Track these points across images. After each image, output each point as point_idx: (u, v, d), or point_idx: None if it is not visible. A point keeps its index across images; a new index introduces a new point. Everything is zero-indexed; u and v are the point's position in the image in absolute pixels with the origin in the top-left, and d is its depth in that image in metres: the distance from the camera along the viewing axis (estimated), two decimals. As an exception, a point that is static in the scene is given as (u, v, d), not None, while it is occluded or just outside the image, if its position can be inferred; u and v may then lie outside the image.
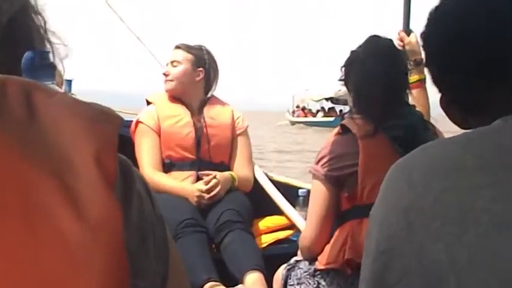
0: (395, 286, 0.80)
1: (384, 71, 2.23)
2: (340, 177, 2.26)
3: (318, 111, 43.89)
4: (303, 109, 45.46)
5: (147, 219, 0.60)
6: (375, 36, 2.31)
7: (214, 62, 3.19)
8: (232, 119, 3.20)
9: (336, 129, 2.33)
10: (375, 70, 2.24)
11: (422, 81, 2.58)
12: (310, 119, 42.34)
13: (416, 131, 2.25)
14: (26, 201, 0.48)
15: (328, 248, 2.24)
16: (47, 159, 0.50)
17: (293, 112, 45.73)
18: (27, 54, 0.90)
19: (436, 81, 1.03)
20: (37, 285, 0.46)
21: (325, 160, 2.27)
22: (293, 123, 42.28)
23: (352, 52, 2.31)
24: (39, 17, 0.81)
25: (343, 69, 2.34)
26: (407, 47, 2.58)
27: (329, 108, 42.52)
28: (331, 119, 35.34)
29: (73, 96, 0.65)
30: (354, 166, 2.23)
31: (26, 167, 0.49)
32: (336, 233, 2.25)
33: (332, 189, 2.26)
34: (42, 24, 0.85)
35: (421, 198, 0.81)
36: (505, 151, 0.80)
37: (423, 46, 1.03)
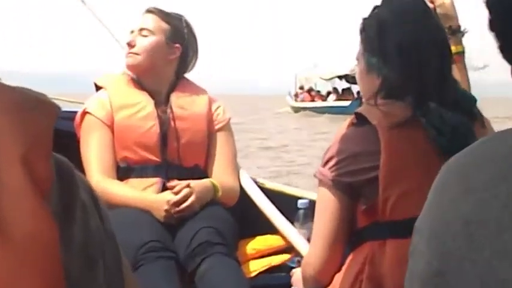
0: None
1: (423, 35, 2.29)
2: (355, 184, 2.25)
3: (329, 93, 43.81)
4: (310, 91, 45.04)
5: (94, 236, 0.63)
6: None
7: (195, 38, 3.25)
8: (209, 108, 3.22)
9: (349, 120, 2.33)
10: (411, 35, 2.28)
11: (460, 55, 2.70)
12: (319, 103, 42.36)
13: (465, 120, 2.28)
14: None
15: (339, 277, 2.26)
16: None
17: (296, 95, 45.74)
18: None
19: (505, 49, 1.06)
20: None
21: (334, 161, 2.27)
22: (297, 109, 42.39)
23: (370, 17, 2.35)
24: None
25: (361, 40, 2.38)
26: (439, 10, 2.66)
27: (343, 90, 43.11)
28: (347, 103, 36.09)
29: None
30: (374, 170, 2.21)
31: None
32: (350, 257, 2.26)
33: (344, 200, 2.25)
34: None
35: (485, 206, 0.85)
36: None
37: (486, 2, 1.07)
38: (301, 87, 45.46)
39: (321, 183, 2.29)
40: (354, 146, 2.28)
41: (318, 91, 45.12)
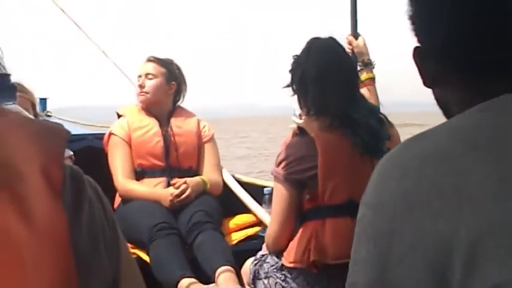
0: (400, 263, 0.85)
1: (336, 67, 2.29)
2: (301, 179, 2.26)
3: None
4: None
5: (97, 223, 0.62)
6: (315, 38, 2.36)
7: (183, 75, 3.34)
8: (198, 127, 3.33)
9: (292, 131, 2.35)
10: (327, 67, 2.28)
11: (372, 80, 2.75)
12: None
13: (372, 124, 2.29)
14: None
15: (293, 247, 2.28)
16: None
17: (300, 115, 36.57)
18: None
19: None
20: None
21: (285, 163, 2.27)
22: None
23: (298, 56, 2.34)
24: None
25: (291, 73, 2.34)
26: (355, 50, 2.73)
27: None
28: None
29: (25, 115, 0.69)
30: (314, 169, 2.23)
31: None
32: (300, 231, 2.28)
33: (293, 191, 2.27)
34: None
35: (418, 184, 0.85)
36: (483, 136, 0.85)
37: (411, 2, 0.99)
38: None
39: (276, 179, 2.31)
40: (299, 151, 2.27)
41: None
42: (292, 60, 2.35)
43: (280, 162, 2.27)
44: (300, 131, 2.28)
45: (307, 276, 2.27)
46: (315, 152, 2.22)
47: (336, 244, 2.20)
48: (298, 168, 2.25)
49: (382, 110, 2.49)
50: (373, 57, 2.76)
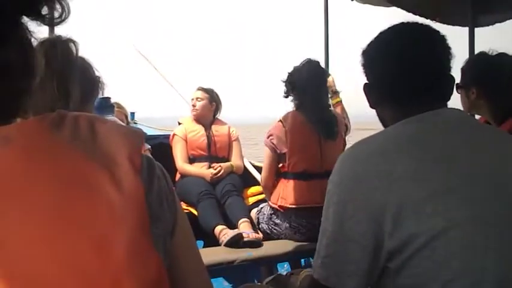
0: (351, 219, 0.99)
1: (318, 80, 2.96)
2: (277, 152, 2.86)
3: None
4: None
5: (162, 190, 0.75)
6: (309, 59, 3.04)
7: (219, 99, 4.14)
8: (229, 131, 4.06)
9: (279, 120, 2.95)
10: (315, 78, 2.92)
11: (340, 102, 3.51)
12: None
13: (331, 121, 2.89)
14: (88, 183, 0.64)
15: (274, 195, 2.99)
16: (102, 159, 0.66)
17: None
18: (97, 100, 1.42)
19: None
20: (92, 229, 0.62)
21: (270, 138, 2.92)
22: None
23: (294, 71, 2.99)
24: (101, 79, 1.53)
25: (287, 83, 2.97)
26: (327, 84, 3.28)
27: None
28: None
29: (119, 122, 0.97)
30: (285, 149, 2.84)
31: (89, 165, 0.65)
32: (277, 185, 2.94)
33: (272, 154, 2.93)
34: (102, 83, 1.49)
35: (365, 169, 0.99)
36: (406, 139, 1.00)
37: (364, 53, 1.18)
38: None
39: (266, 145, 2.95)
40: (278, 133, 2.90)
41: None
42: (291, 72, 3.00)
43: (268, 136, 2.96)
44: (281, 121, 2.97)
45: (283, 215, 2.94)
46: (286, 139, 2.84)
47: (294, 195, 2.85)
48: (276, 144, 2.89)
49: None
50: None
